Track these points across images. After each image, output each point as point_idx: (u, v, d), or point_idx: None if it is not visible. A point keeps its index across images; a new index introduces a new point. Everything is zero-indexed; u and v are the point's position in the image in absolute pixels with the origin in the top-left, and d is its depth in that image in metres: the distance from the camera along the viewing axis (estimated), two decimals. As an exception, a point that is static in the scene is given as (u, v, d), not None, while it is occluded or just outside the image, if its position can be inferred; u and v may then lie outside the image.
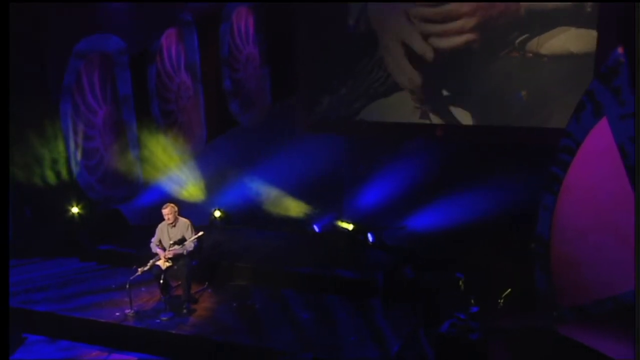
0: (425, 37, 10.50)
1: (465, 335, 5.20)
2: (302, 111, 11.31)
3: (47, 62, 9.10)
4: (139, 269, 6.99)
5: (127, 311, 6.90)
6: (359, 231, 9.32)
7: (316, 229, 9.80)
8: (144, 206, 10.42)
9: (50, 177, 9.45)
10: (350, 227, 9.35)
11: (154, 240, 7.23)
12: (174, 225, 7.18)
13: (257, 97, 11.64)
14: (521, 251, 6.79)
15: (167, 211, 7.11)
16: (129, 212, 10.36)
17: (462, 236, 8.35)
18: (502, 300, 6.09)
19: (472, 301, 5.97)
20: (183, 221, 7.23)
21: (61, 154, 9.47)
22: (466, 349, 5.23)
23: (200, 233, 7.25)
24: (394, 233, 9.11)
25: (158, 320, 6.74)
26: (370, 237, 9.33)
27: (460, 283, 6.43)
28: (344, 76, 11.03)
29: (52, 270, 8.53)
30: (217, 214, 10.25)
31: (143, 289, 7.52)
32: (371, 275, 7.46)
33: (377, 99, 10.77)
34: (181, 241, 7.07)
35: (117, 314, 6.92)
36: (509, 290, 6.20)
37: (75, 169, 9.60)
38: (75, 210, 9.62)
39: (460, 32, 10.27)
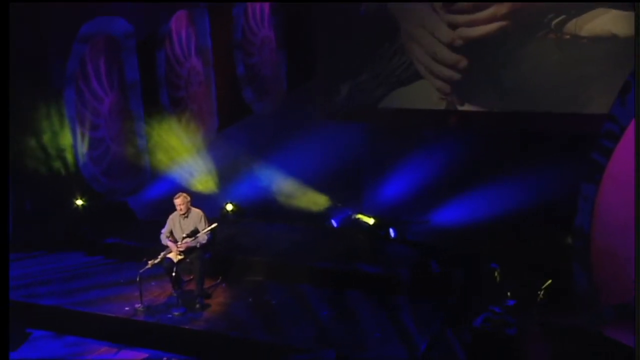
0: (453, 27, 10.42)
1: (500, 330, 5.15)
2: (320, 98, 11.28)
3: (49, 46, 9.19)
4: (149, 262, 7.05)
5: (137, 306, 6.96)
6: (380, 226, 9.29)
7: (334, 223, 9.79)
8: (152, 199, 10.49)
9: (54, 168, 9.54)
10: (370, 221, 9.32)
11: (165, 231, 7.27)
12: (187, 216, 7.22)
13: (273, 83, 11.69)
14: (557, 245, 6.72)
15: (180, 201, 7.15)
16: (136, 205, 10.43)
17: (492, 231, 8.30)
18: (542, 292, 6.00)
19: (509, 294, 5.92)
20: (196, 212, 7.26)
21: (65, 144, 9.57)
22: (502, 344, 5.18)
23: (214, 225, 7.29)
24: (417, 227, 9.05)
25: (170, 315, 6.80)
26: (392, 232, 9.31)
27: (496, 274, 6.37)
28: (364, 62, 10.98)
29: (56, 265, 8.63)
30: (229, 207, 10.28)
31: (153, 283, 7.59)
32: (394, 270, 7.47)
33: (399, 87, 10.72)
34: (194, 233, 7.11)
35: (127, 308, 6.99)
36: (550, 281, 6.13)
37: (79, 159, 9.68)
38: (79, 202, 9.71)
39: (491, 20, 10.18)
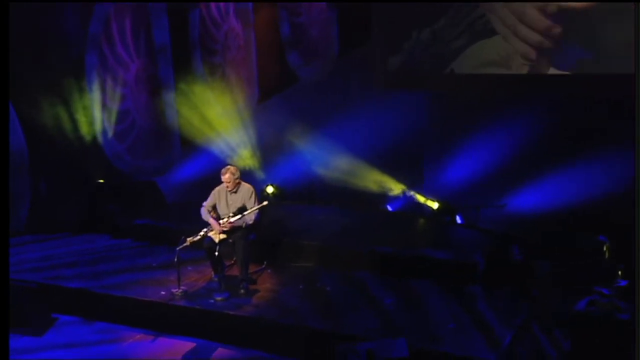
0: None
1: (609, 315, 5.02)
2: (376, 63, 11.17)
3: (67, 4, 9.31)
4: (188, 239, 7.13)
5: (174, 290, 7.06)
6: (446, 211, 9.24)
7: (390, 208, 9.76)
8: (181, 181, 10.61)
9: (73, 145, 9.70)
10: (434, 205, 9.28)
11: (207, 204, 7.33)
12: (235, 192, 7.27)
13: (322, 46, 11.66)
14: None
15: (227, 177, 7.20)
16: (164, 187, 10.55)
17: (581, 218, 8.12)
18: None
19: (620, 273, 5.74)
20: (247, 187, 7.32)
21: (86, 117, 9.72)
22: (611, 331, 5.04)
23: (265, 203, 7.33)
24: (489, 213, 8.96)
25: (212, 301, 6.88)
26: (459, 219, 9.25)
27: (605, 249, 6.21)
28: (428, 19, 10.76)
29: (81, 247, 8.86)
30: (270, 189, 10.34)
31: (190, 267, 7.69)
32: (467, 256, 7.43)
33: (471, 46, 10.49)
34: (241, 210, 7.15)
35: (163, 292, 7.09)
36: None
37: (101, 134, 9.83)
38: (103, 182, 9.87)
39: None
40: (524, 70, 10.12)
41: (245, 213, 7.11)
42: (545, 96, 9.82)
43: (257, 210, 7.19)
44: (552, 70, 9.94)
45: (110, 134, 9.99)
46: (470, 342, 5.86)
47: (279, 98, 11.16)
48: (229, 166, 7.36)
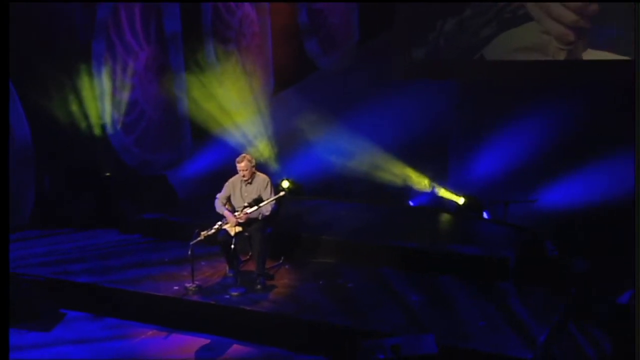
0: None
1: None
2: (399, 51, 11.12)
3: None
4: (202, 233, 7.12)
5: (187, 285, 7.06)
6: (472, 206, 9.21)
7: (412, 203, 9.74)
8: (192, 175, 10.63)
9: (79, 136, 9.74)
10: (460, 200, 9.24)
11: (221, 196, 7.34)
12: (250, 182, 7.27)
13: (342, 33, 11.63)
14: None
15: (243, 165, 7.20)
16: (176, 181, 10.58)
17: (619, 212, 8.03)
18: None
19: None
20: (262, 177, 7.34)
21: (92, 107, 9.77)
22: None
23: (281, 193, 7.32)
24: (519, 209, 8.90)
25: (227, 296, 6.89)
26: (485, 215, 9.21)
27: None
28: (453, 9, 10.72)
29: (89, 242, 8.91)
30: (286, 184, 10.33)
31: (203, 263, 7.71)
32: (497, 251, 7.39)
33: (501, 33, 10.41)
34: (257, 202, 7.15)
35: (176, 287, 7.10)
36: None
37: (108, 125, 9.87)
38: (110, 175, 9.91)
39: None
40: (561, 56, 10.03)
41: (262, 204, 7.11)
42: (582, 83, 9.71)
43: (273, 202, 7.20)
44: (590, 52, 9.83)
45: (117, 125, 10.02)
46: (503, 341, 5.82)
47: (296, 88, 11.16)
48: (244, 154, 7.37)
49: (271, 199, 7.19)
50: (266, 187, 7.25)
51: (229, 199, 7.35)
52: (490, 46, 10.43)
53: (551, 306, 6.51)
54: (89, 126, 9.83)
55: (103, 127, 9.86)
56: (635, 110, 5.62)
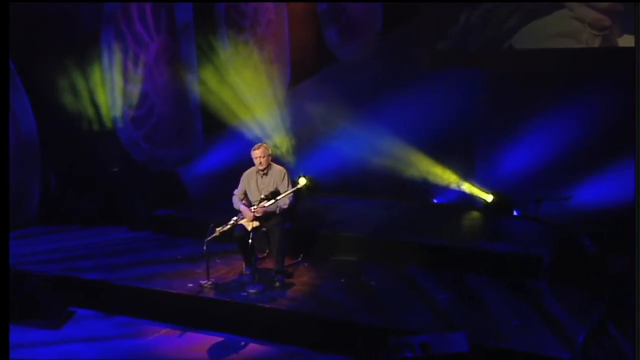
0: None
1: None
2: (424, 40, 11.10)
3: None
4: (217, 229, 7.14)
5: (202, 282, 7.06)
6: (501, 203, 9.14)
7: (435, 201, 9.68)
8: (204, 173, 10.64)
9: (85, 131, 9.79)
10: (488, 197, 9.18)
11: (238, 192, 7.37)
12: (266, 174, 7.28)
13: (364, 22, 11.59)
14: None
15: (260, 152, 7.22)
16: (187, 178, 10.60)
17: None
18: None
19: None
20: (278, 169, 7.35)
21: (100, 100, 9.81)
22: None
23: (299, 185, 7.32)
24: (551, 207, 8.81)
25: (244, 294, 6.89)
26: (515, 213, 9.13)
27: None
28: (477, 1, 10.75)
29: (98, 239, 8.97)
30: (303, 181, 10.29)
31: (218, 260, 7.74)
32: (530, 249, 7.37)
33: (530, 22, 10.36)
34: (274, 195, 7.14)
35: (190, 285, 7.11)
36: None
37: (116, 120, 9.91)
38: (117, 170, 9.95)
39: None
40: (595, 42, 9.94)
41: (279, 197, 7.11)
42: (618, 71, 9.60)
43: (291, 194, 7.20)
44: (625, 38, 9.75)
45: (126, 119, 10.05)
46: (538, 340, 5.79)
47: (314, 80, 11.16)
48: (259, 143, 7.40)
49: (289, 191, 7.20)
50: (283, 178, 7.27)
51: (245, 195, 7.37)
52: (518, 36, 10.40)
53: (589, 305, 6.46)
54: (96, 120, 9.87)
55: (111, 120, 9.89)
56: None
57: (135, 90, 10.13)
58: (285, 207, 7.20)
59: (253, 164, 7.32)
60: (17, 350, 6.16)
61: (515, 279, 7.04)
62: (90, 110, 9.83)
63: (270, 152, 7.34)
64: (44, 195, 9.71)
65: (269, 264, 7.40)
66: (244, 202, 7.32)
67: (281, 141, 10.52)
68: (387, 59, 10.80)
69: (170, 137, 10.68)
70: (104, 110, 9.89)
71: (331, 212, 9.09)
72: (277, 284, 7.08)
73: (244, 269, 7.40)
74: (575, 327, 6.00)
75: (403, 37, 11.13)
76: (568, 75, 9.74)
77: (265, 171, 7.28)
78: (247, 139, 10.25)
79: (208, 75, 10.52)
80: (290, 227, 7.34)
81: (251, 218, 7.15)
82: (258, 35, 10.91)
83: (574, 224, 8.17)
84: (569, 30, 10.02)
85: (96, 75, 9.76)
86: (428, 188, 9.61)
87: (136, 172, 10.05)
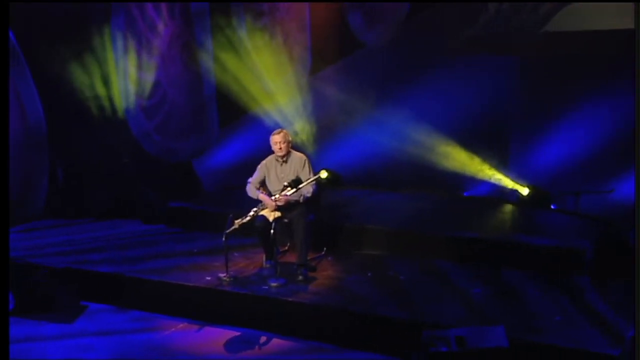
0: None
1: None
2: (453, 24, 11.04)
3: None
4: (237, 221, 7.13)
5: (221, 275, 7.07)
6: (537, 197, 9.09)
7: (466, 194, 9.66)
8: (218, 166, 10.66)
9: (95, 121, 9.84)
10: (524, 190, 9.14)
11: (254, 180, 7.37)
12: (286, 161, 7.28)
13: (390, 5, 11.53)
14: None
15: (279, 137, 7.23)
16: (201, 170, 10.63)
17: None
18: None
19: None
20: (298, 156, 7.36)
21: (110, 88, 9.85)
22: None
23: (321, 173, 7.34)
24: (592, 200, 8.75)
25: (266, 287, 6.89)
26: (553, 207, 9.08)
27: None
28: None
29: (110, 232, 9.08)
30: (324, 174, 10.28)
31: (236, 254, 7.76)
32: (571, 242, 7.32)
33: (567, 5, 10.27)
34: (296, 183, 7.13)
35: (208, 278, 7.13)
36: None
37: (127, 109, 9.94)
38: (128, 162, 9.99)
39: None
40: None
41: (301, 185, 7.10)
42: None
43: (314, 182, 7.18)
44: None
45: (137, 109, 10.08)
46: (584, 336, 5.74)
47: (336, 67, 11.14)
48: (279, 129, 7.42)
49: (312, 178, 7.20)
50: (304, 166, 7.28)
51: (262, 183, 7.37)
52: (555, 20, 10.30)
53: (636, 302, 6.41)
54: (106, 109, 9.91)
55: (120, 110, 9.94)
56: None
57: (147, 78, 10.15)
58: (308, 195, 7.20)
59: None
60: (29, 343, 6.25)
61: (554, 274, 7.00)
62: (100, 99, 9.87)
63: (290, 138, 7.34)
64: (52, 187, 9.78)
65: (290, 258, 7.41)
66: (262, 191, 7.31)
67: (302, 128, 10.52)
68: (414, 43, 10.76)
69: (184, 128, 10.69)
70: (113, 99, 9.93)
71: (356, 204, 9.11)
72: (300, 277, 7.08)
73: (264, 263, 7.41)
74: (623, 323, 5.91)
75: (431, 21, 11.08)
76: (611, 60, 9.63)
77: (285, 158, 7.29)
78: (264, 128, 10.26)
79: (224, 62, 10.52)
80: (314, 219, 7.33)
81: (273, 207, 7.15)
82: (277, 20, 10.91)
83: (616, 218, 8.13)
84: (612, 11, 9.88)
85: (105, 62, 9.80)
86: (458, 180, 9.58)
87: (148, 164, 10.09)
